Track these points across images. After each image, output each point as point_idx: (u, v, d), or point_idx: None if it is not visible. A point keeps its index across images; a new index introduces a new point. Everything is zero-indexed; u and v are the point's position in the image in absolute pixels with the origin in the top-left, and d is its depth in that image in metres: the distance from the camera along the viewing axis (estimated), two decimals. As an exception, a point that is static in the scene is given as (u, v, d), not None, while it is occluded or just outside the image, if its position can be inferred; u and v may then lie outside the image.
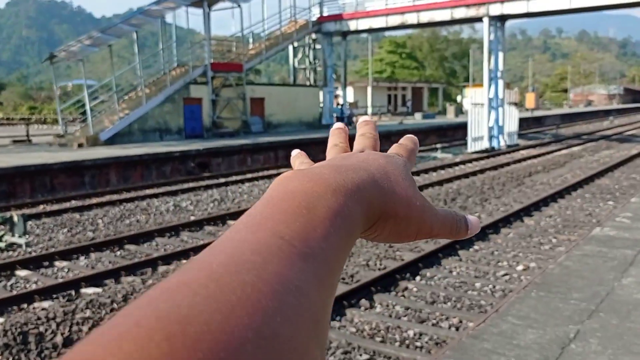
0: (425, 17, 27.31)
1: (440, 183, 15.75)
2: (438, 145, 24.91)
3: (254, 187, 15.77)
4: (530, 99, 66.47)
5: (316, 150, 23.79)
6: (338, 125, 0.59)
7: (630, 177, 16.39)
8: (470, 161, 21.25)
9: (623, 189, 14.34)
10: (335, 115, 31.12)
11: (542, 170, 18.63)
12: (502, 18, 25.73)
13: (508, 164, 20.07)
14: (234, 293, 0.27)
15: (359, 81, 50.75)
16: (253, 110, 27.08)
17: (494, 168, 18.83)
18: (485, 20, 25.42)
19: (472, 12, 25.88)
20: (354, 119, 32.02)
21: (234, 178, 17.48)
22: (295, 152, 0.58)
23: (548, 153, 23.89)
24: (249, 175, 18.09)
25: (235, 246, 0.32)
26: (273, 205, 0.37)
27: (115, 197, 14.38)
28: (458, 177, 16.58)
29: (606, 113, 61.87)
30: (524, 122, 43.62)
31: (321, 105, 31.25)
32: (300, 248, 0.33)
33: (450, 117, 44.96)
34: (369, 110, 47.54)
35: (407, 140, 0.57)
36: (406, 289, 7.10)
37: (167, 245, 9.71)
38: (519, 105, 68.83)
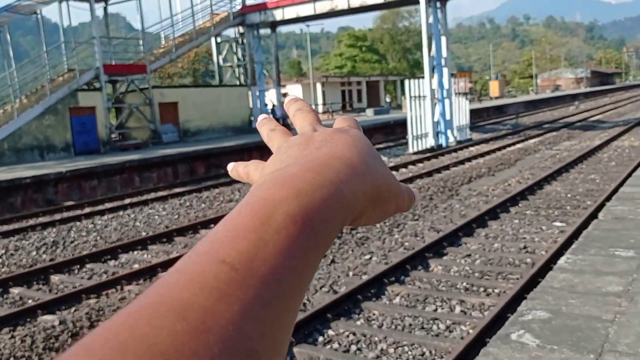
0: (356, 1, 23.96)
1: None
2: (371, 148, 21.51)
3: (114, 220, 12.25)
4: (494, 87, 63.73)
5: (230, 160, 20.32)
6: (262, 116, 0.54)
7: (587, 180, 13.18)
8: (406, 165, 17.98)
9: (577, 199, 11.09)
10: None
11: (487, 172, 15.40)
12: (441, -3, 22.50)
13: (448, 166, 16.81)
14: (142, 342, 0.25)
15: (307, 78, 47.27)
16: (164, 117, 23.47)
17: (429, 174, 15.53)
18: (422, 0, 22.14)
19: (406, -8, 22.64)
20: (289, 120, 28.48)
21: (106, 205, 13.95)
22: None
23: (501, 148, 20.75)
24: (128, 201, 14.55)
25: (172, 280, 0.29)
26: (229, 221, 0.34)
27: None
28: (377, 191, 13.23)
29: (573, 97, 59.23)
30: (484, 112, 40.66)
31: (251, 106, 27.75)
32: (242, 272, 0.30)
33: (405, 111, 41.76)
34: (320, 109, 44.11)
35: (347, 116, 0.52)
36: None
37: None
38: (482, 94, 66.06)
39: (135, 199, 14.64)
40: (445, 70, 23.26)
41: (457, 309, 6.01)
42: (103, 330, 0.26)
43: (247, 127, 27.02)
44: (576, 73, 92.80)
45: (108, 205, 14.08)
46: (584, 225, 8.01)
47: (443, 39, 23.16)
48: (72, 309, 6.69)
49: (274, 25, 28.14)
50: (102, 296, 7.14)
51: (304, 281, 0.33)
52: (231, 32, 28.89)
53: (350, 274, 7.39)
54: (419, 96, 22.51)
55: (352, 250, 8.59)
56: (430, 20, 22.47)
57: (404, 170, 17.23)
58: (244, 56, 28.23)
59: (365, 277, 7.04)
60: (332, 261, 8.04)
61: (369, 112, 39.76)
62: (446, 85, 23.28)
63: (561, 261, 4.42)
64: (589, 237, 5.11)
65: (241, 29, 27.95)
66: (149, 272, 7.97)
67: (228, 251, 0.31)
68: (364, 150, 0.43)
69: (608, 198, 9.37)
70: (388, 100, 50.79)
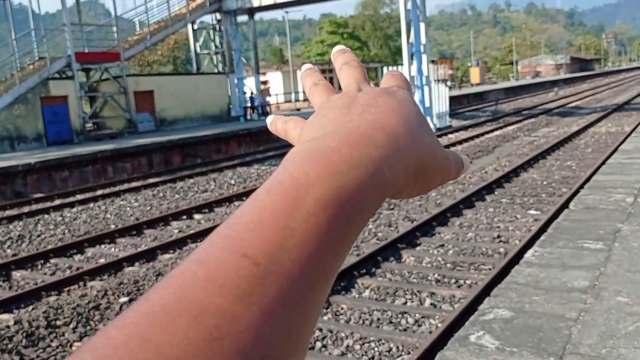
0: (334, -14, 23.63)
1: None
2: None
3: (84, 213, 11.94)
4: (475, 74, 63.83)
5: (207, 150, 20.08)
6: (307, 66, 0.51)
7: (564, 167, 13.13)
8: (384, 153, 17.77)
9: (552, 186, 11.02)
10: (245, 106, 27.27)
11: (465, 160, 15.28)
12: (420, -18, 22.27)
13: (426, 154, 16.67)
14: (155, 350, 0.24)
15: (288, 66, 46.82)
16: (140, 106, 23.04)
17: (406, 162, 15.39)
18: (400, -14, 21.90)
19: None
20: (268, 108, 28.22)
21: (77, 197, 13.62)
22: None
23: (479, 135, 20.69)
24: (100, 192, 14.23)
25: (191, 274, 0.28)
26: (257, 203, 0.32)
27: None
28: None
29: (552, 84, 59.55)
30: (464, 99, 40.67)
31: (230, 94, 27.34)
32: (264, 266, 0.28)
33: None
34: (300, 96, 43.79)
35: (396, 71, 0.49)
36: None
37: None
38: (463, 81, 66.11)
39: (107, 190, 14.32)
40: (424, 57, 23.09)
41: (427, 301, 5.87)
42: (115, 331, 0.25)
43: (225, 116, 26.67)
44: (556, 59, 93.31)
45: (79, 197, 13.74)
46: (558, 213, 7.92)
47: (422, 26, 22.96)
48: (30, 308, 6.44)
49: (251, 11, 27.73)
50: (62, 293, 6.89)
51: (331, 272, 0.31)
52: (209, 19, 28.46)
53: (321, 266, 7.22)
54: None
55: (325, 242, 8.40)
56: (409, 6, 22.25)
57: (381, 158, 17.05)
58: (222, 43, 27.80)
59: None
60: (303, 253, 7.86)
61: (350, 99, 39.50)
62: (425, 72, 23.12)
63: (528, 254, 4.27)
64: (558, 228, 4.97)
65: (218, 16, 27.49)
66: (114, 267, 7.72)
67: (252, 240, 0.29)
68: (411, 117, 0.40)
69: (582, 186, 9.28)
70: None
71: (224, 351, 0.25)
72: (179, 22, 25.19)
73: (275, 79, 44.72)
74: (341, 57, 0.49)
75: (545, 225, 7.77)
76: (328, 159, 0.33)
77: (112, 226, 10.43)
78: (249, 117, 27.28)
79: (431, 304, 5.83)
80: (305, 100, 42.54)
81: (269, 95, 30.08)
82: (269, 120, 0.51)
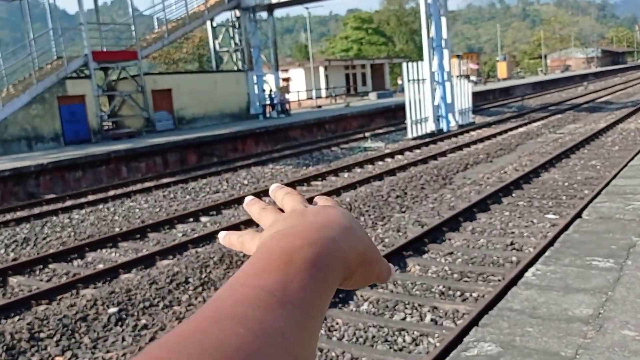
0: (353, -19, 23.12)
1: (337, 191, 11.85)
2: (367, 134, 20.88)
3: (92, 214, 11.78)
4: (502, 68, 62.53)
5: (223, 149, 19.85)
6: (249, 198, 0.56)
7: (588, 166, 12.52)
8: (402, 152, 17.33)
9: (574, 188, 10.47)
10: (264, 103, 26.99)
11: (485, 159, 14.77)
12: (440, -25, 21.65)
13: (445, 153, 16.19)
14: (217, 339, 0.31)
15: (313, 62, 46.34)
16: (158, 104, 22.93)
17: (424, 161, 14.93)
18: (420, -21, 21.32)
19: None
20: (287, 105, 27.87)
21: (89, 198, 13.51)
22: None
23: (503, 132, 20.07)
24: (112, 193, 14.09)
25: (221, 301, 0.36)
26: (254, 264, 0.40)
27: None
28: (366, 180, 12.67)
29: (582, 78, 58.00)
30: (489, 95, 39.78)
31: (249, 92, 27.08)
32: (279, 297, 0.36)
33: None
34: (322, 93, 43.36)
35: (326, 197, 0.56)
36: None
37: None
38: (490, 75, 64.95)
39: (119, 191, 14.16)
40: (445, 52, 22.46)
41: (428, 317, 5.48)
42: (181, 327, 0.32)
43: (244, 114, 26.43)
44: (587, 53, 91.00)
45: (91, 197, 13.62)
46: (577, 218, 7.42)
47: (443, 20, 22.34)
48: (16, 318, 6.22)
49: (270, 8, 27.42)
50: (53, 302, 6.66)
51: (321, 314, 0.39)
52: (228, 16, 28.24)
53: (320, 275, 6.86)
54: (418, 79, 21.73)
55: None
56: (429, 0, 21.65)
57: (399, 157, 16.59)
58: (241, 41, 27.55)
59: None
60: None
61: (372, 95, 38.99)
62: (447, 68, 22.50)
63: (529, 274, 3.83)
64: (566, 241, 4.51)
65: (237, 13, 27.24)
66: (110, 274, 7.49)
67: (264, 282, 0.37)
68: (352, 222, 0.48)
69: (602, 190, 8.74)
70: (399, 82, 49.85)
71: (265, 345, 0.32)
72: (197, 20, 25.00)
73: (297, 76, 44.38)
74: (280, 190, 0.56)
75: (562, 231, 7.31)
76: (302, 235, 0.43)
77: (117, 229, 10.23)
78: (268, 114, 27.00)
79: (432, 319, 5.43)
80: (328, 97, 42.09)
81: (288, 92, 29.75)
82: (222, 235, 0.55)
